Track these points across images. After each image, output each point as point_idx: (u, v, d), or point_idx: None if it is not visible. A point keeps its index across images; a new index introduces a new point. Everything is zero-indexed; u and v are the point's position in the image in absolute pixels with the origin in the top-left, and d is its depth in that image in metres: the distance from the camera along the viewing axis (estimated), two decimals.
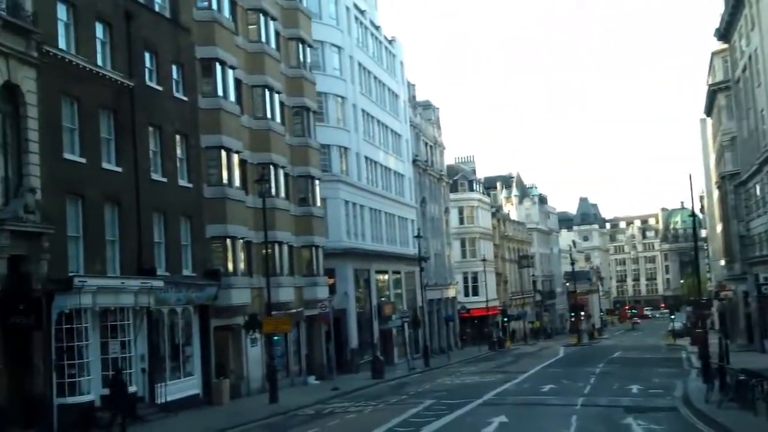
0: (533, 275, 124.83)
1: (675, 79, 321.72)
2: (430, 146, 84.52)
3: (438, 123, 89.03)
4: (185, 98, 36.58)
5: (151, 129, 33.98)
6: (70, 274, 27.42)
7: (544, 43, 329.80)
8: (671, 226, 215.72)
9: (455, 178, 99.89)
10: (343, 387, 41.88)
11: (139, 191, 32.27)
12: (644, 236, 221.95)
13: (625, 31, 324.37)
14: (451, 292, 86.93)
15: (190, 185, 36.35)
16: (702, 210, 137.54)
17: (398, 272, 68.23)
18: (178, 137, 35.93)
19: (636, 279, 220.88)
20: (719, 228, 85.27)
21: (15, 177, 26.00)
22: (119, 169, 31.32)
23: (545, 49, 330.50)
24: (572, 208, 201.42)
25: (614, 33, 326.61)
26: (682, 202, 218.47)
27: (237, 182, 39.44)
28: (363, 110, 62.55)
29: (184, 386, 34.36)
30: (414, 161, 76.01)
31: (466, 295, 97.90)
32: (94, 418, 27.04)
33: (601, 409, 29.71)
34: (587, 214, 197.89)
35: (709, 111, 78.22)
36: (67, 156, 28.42)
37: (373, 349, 59.37)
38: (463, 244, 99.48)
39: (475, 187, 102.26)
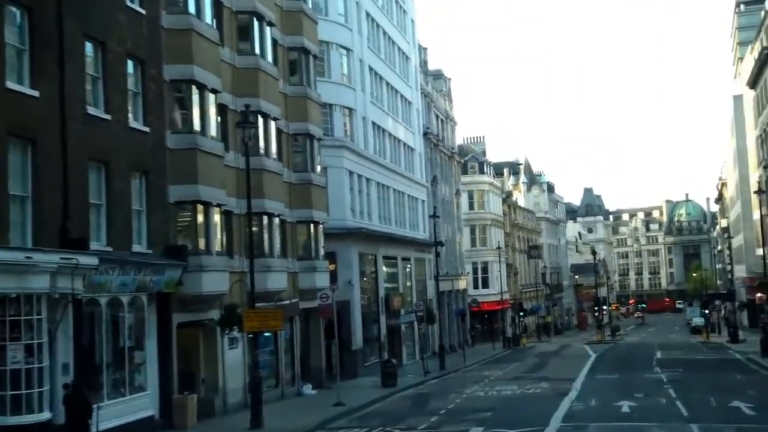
0: (544, 267, 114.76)
1: (690, 68, 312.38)
2: (442, 120, 74.31)
3: (450, 95, 78.76)
4: (141, 10, 26.23)
5: (89, 45, 23.71)
6: None
7: (557, 27, 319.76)
8: (676, 218, 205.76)
9: (465, 159, 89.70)
10: (348, 401, 31.77)
11: (67, 128, 21.91)
12: (648, 229, 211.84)
13: (646, 16, 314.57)
14: (462, 284, 76.81)
15: (147, 129, 25.98)
16: (720, 199, 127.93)
17: (408, 259, 58.08)
18: (130, 62, 25.62)
19: (639, 273, 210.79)
20: (757, 214, 75.10)
21: None
22: (35, 93, 21.05)
23: (555, 35, 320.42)
24: (575, 199, 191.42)
25: (634, 19, 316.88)
26: (687, 194, 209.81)
27: (213, 131, 29.17)
28: (371, 68, 52.39)
29: (132, 407, 23.97)
30: (425, 134, 65.83)
31: (476, 287, 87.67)
32: None
33: None
34: (592, 206, 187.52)
35: (755, 82, 68.09)
36: None
37: (381, 348, 49.33)
38: (473, 232, 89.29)
39: (486, 170, 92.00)
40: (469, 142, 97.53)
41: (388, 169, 54.33)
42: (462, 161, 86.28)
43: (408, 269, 58.33)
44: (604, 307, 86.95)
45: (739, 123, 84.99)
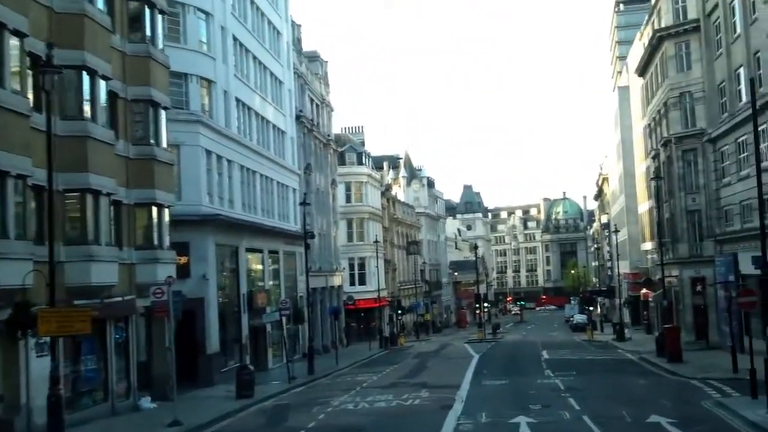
0: (423, 263, 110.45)
1: (571, 68, 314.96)
2: (317, 104, 68.69)
3: (326, 79, 73.14)
4: None
5: None
6: None
7: (439, 20, 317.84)
8: (553, 216, 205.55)
9: (343, 149, 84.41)
10: (189, 418, 26.08)
11: None
12: (526, 227, 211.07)
13: (530, 16, 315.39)
14: (337, 280, 71.44)
15: None
16: (600, 195, 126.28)
17: (276, 252, 52.35)
18: None
19: (516, 270, 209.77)
20: (644, 207, 72.27)
21: None
22: None
23: (437, 27, 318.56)
24: (455, 196, 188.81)
25: (518, 16, 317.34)
26: (564, 193, 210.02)
27: (9, 80, 22.87)
28: (235, 38, 46.39)
29: None
30: (298, 118, 60.11)
31: (352, 284, 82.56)
32: None
33: None
34: (471, 203, 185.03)
35: (644, 69, 64.83)
36: None
37: (242, 352, 43.53)
38: (350, 225, 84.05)
39: (364, 161, 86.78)
40: (347, 132, 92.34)
41: (254, 152, 48.48)
42: (339, 151, 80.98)
43: (276, 263, 52.63)
44: (485, 305, 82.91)
45: (624, 115, 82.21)
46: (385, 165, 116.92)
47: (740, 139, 41.77)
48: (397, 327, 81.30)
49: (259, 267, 49.26)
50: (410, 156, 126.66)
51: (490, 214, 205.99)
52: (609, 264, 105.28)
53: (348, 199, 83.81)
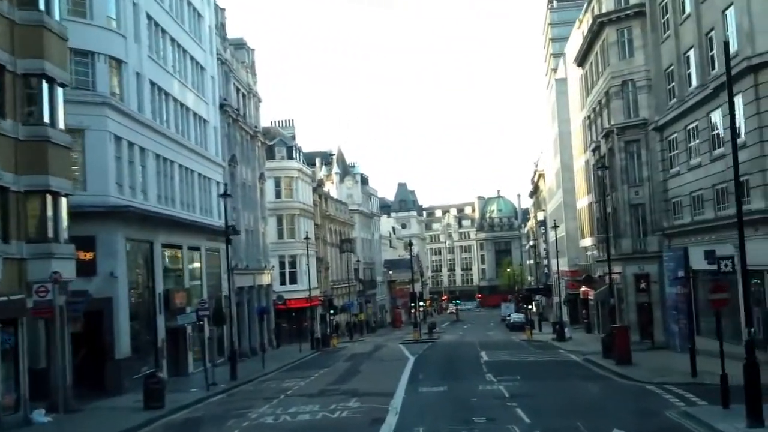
0: (357, 262, 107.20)
1: (505, 66, 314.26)
2: (243, 94, 64.93)
3: (253, 69, 69.35)
4: None
5: None
6: None
7: (374, 17, 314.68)
8: (487, 215, 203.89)
9: (272, 143, 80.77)
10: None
11: None
12: (460, 225, 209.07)
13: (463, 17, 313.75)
14: (266, 279, 67.79)
15: None
16: (535, 192, 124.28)
17: (197, 248, 48.67)
18: None
19: (452, 269, 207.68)
20: (583, 202, 70.03)
21: None
22: None
23: (372, 24, 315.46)
24: (390, 194, 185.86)
25: (452, 14, 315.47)
26: (498, 191, 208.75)
27: None
28: (150, 16, 42.55)
29: None
30: (222, 106, 56.36)
31: (283, 283, 79.01)
32: None
33: None
34: (406, 201, 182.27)
35: (583, 59, 62.47)
36: None
37: (157, 357, 39.88)
38: (280, 222, 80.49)
39: (295, 155, 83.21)
40: (277, 125, 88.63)
41: (172, 140, 44.68)
42: (268, 144, 77.40)
43: (197, 261, 48.96)
44: (420, 304, 79.80)
45: (562, 108, 80.00)
46: (318, 161, 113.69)
47: (690, 126, 39.26)
48: (329, 327, 77.92)
49: (179, 264, 45.51)
50: (343, 152, 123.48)
51: (424, 213, 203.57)
52: (546, 262, 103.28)
53: (278, 194, 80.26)
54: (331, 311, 78.22)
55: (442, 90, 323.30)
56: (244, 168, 62.42)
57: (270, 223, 78.04)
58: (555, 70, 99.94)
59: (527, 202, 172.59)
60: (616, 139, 53.03)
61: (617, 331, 37.70)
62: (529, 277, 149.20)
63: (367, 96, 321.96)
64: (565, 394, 27.81)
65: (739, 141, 32.82)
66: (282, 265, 79.89)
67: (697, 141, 38.11)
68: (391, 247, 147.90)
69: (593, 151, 60.94)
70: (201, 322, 39.08)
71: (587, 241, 69.06)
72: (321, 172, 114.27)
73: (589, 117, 62.95)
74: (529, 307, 75.68)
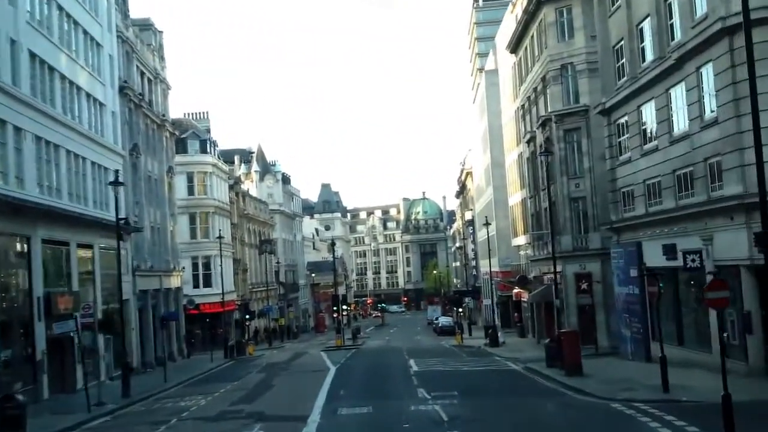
0: (277, 263, 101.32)
1: (431, 70, 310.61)
2: (149, 79, 58.85)
3: (161, 52, 63.19)
4: None
5: None
6: None
7: (295, 14, 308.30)
8: (412, 216, 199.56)
9: (184, 135, 74.76)
10: None
11: None
12: (385, 227, 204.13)
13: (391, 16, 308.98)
14: (174, 282, 61.79)
15: None
16: (462, 191, 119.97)
17: (89, 246, 42.67)
18: None
19: (377, 272, 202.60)
20: (516, 198, 65.61)
21: None
22: None
23: (295, 21, 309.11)
24: (314, 196, 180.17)
25: (379, 16, 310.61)
26: (423, 192, 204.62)
27: None
28: None
29: None
30: (122, 90, 50.33)
31: (196, 286, 73.02)
32: None
33: None
34: (329, 202, 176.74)
35: (517, 44, 57.97)
36: None
37: (36, 372, 33.97)
38: (192, 221, 74.44)
39: (209, 149, 77.23)
40: (191, 117, 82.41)
41: (58, 122, 38.62)
42: (180, 137, 71.38)
43: (89, 259, 42.96)
44: (344, 307, 73.73)
45: (492, 101, 75.58)
46: (237, 159, 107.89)
47: (644, 106, 34.75)
48: (244, 334, 72.04)
49: (64, 264, 39.48)
50: (264, 150, 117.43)
51: (349, 215, 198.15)
52: (474, 263, 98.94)
53: (190, 191, 74.25)
54: (247, 316, 72.36)
55: (367, 91, 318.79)
56: (149, 159, 56.46)
57: (182, 222, 72.15)
58: (481, 70, 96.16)
59: (453, 204, 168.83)
60: (555, 128, 48.59)
61: (565, 337, 32.59)
62: (455, 280, 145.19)
63: (289, 96, 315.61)
64: (518, 416, 22.52)
65: (707, 117, 28.68)
66: (195, 266, 73.87)
67: (654, 123, 33.62)
68: (314, 249, 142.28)
69: (528, 142, 56.48)
70: (81, 331, 32.71)
71: (520, 240, 64.66)
72: (240, 170, 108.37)
73: (523, 106, 58.53)
74: (459, 310, 70.80)
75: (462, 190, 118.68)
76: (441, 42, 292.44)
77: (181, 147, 74.33)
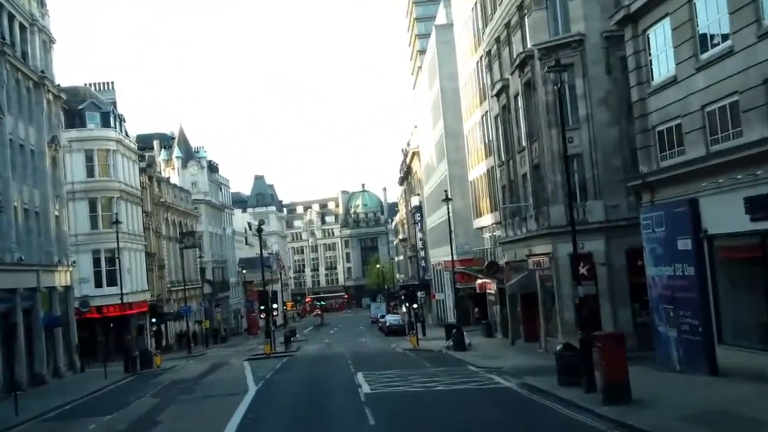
0: (200, 258, 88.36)
1: (371, 65, 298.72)
2: (22, 25, 45.96)
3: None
4: None
5: None
6: None
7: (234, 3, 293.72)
8: (352, 209, 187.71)
9: (81, 107, 61.89)
10: None
11: None
12: (324, 222, 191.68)
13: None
14: (62, 279, 48.99)
15: None
16: (407, 176, 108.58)
17: None
18: None
19: (315, 269, 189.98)
20: (480, 170, 54.17)
21: None
22: None
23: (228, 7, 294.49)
24: (246, 189, 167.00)
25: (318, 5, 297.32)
26: (363, 185, 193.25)
27: None
28: None
29: None
30: None
31: (99, 285, 60.24)
32: None
33: None
34: (263, 195, 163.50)
35: None
36: None
37: None
38: (93, 207, 61.53)
39: (114, 124, 64.34)
40: (94, 88, 69.14)
41: None
42: (77, 108, 58.66)
43: None
44: (275, 306, 61.20)
45: (444, 63, 64.02)
46: (156, 144, 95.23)
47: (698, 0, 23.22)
48: (150, 341, 59.13)
49: None
50: (186, 134, 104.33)
51: (285, 209, 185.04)
52: (423, 253, 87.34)
53: (90, 172, 61.51)
54: (153, 320, 59.46)
55: (303, 82, 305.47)
56: (20, 123, 43.64)
57: (81, 209, 59.62)
58: (421, 67, 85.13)
59: (394, 195, 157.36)
60: (538, 66, 36.97)
61: (606, 343, 20.38)
62: (398, 275, 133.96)
63: (219, 86, 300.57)
64: None
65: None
66: (97, 262, 61.00)
67: (723, 14, 22.03)
68: (247, 244, 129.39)
69: (497, 95, 44.85)
70: None
71: (485, 220, 53.24)
72: (160, 157, 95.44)
73: (489, 52, 46.93)
74: (414, 306, 58.82)
75: (407, 176, 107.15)
76: (381, 32, 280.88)
77: (79, 120, 61.77)
